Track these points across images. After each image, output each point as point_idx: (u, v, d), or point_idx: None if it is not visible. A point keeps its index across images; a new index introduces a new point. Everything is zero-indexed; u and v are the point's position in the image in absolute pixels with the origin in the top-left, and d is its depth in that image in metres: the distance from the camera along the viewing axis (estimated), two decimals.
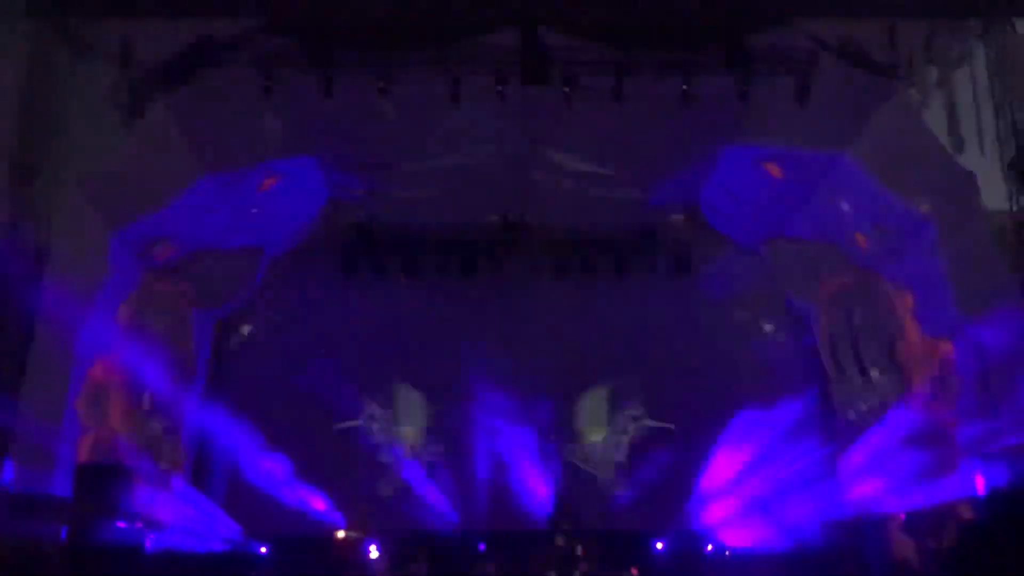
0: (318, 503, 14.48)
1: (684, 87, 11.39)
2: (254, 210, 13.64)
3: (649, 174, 14.11)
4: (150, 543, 11.48)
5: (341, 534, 13.30)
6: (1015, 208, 10.84)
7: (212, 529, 14.12)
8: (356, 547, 13.22)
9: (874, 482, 13.86)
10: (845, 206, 12.83)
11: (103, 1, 11.23)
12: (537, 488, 15.17)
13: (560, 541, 13.58)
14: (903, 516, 12.91)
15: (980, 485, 10.23)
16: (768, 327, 16.28)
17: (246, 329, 15.89)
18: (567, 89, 11.47)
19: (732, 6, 11.23)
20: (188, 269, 13.48)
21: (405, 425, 15.80)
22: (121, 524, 10.44)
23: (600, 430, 16.29)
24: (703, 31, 11.23)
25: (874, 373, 14.08)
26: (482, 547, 14.41)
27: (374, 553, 13.34)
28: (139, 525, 11.34)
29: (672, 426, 16.03)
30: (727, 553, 13.94)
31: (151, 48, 11.29)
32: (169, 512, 13.59)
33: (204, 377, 15.07)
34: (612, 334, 16.23)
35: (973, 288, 11.00)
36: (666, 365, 16.19)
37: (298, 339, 15.94)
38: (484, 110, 11.96)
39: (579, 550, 13.55)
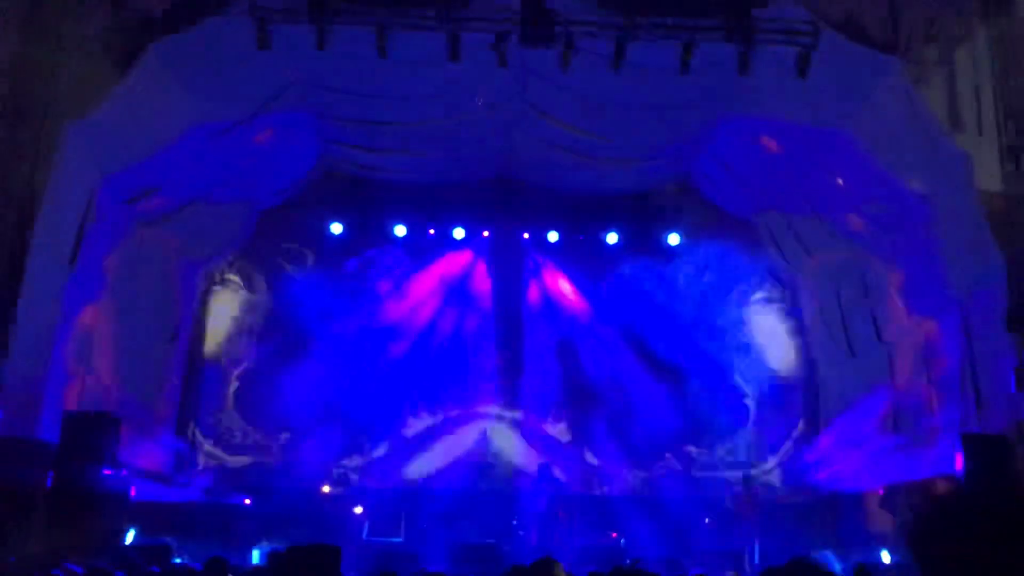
0: (303, 457, 14.52)
1: (684, 55, 11.33)
2: (246, 162, 13.53)
3: (645, 141, 14.05)
4: (135, 491, 11.51)
5: (326, 489, 13.34)
6: (1009, 189, 10.90)
7: (195, 479, 14.18)
8: (341, 503, 13.29)
9: (854, 457, 14.05)
10: (840, 182, 12.87)
11: None
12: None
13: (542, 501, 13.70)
14: (881, 491, 13.10)
15: (959, 462, 10.37)
16: (755, 300, 16.31)
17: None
18: (566, 51, 11.39)
19: None
20: (177, 220, 13.39)
21: None
22: (107, 471, 10.46)
23: None
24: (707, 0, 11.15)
25: (860, 348, 14.20)
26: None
27: (358, 509, 13.41)
28: (124, 473, 11.37)
29: None
30: (707, 521, 14.10)
31: None
32: (154, 460, 13.65)
33: (190, 328, 15.05)
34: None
35: (963, 268, 11.06)
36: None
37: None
38: (481, 68, 11.86)
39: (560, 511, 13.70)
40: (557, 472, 14.40)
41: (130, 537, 11.00)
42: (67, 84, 11.02)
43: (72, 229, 10.97)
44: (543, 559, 4.07)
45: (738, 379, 15.82)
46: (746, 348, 16.01)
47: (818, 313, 15.18)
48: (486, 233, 16.12)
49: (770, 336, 16.13)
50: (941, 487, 11.34)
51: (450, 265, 16.13)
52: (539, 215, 15.97)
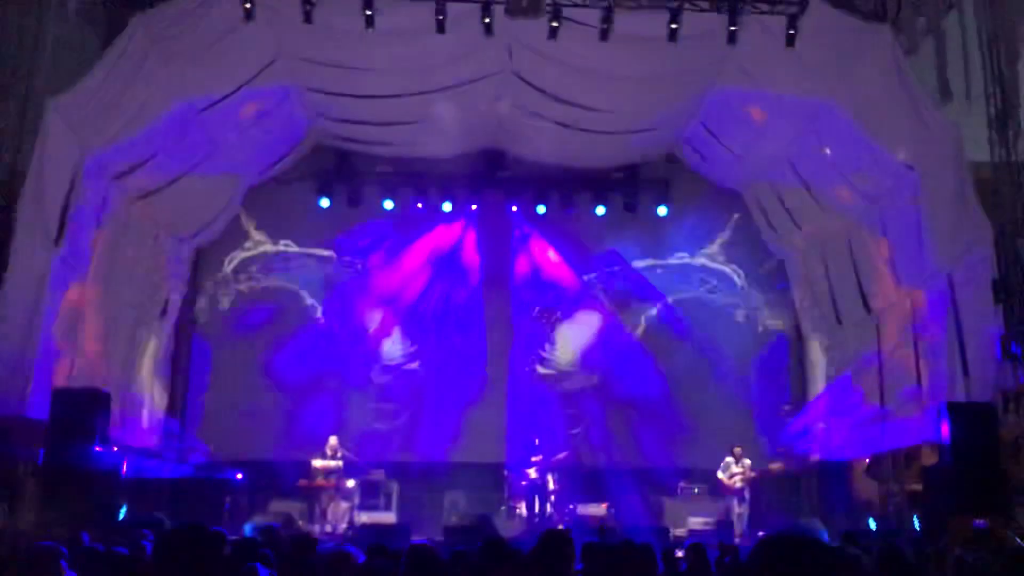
0: (294, 431, 14.56)
1: (672, 25, 11.27)
2: (233, 137, 13.44)
3: (633, 112, 13.99)
4: (126, 467, 11.51)
5: (318, 463, 13.34)
6: (997, 159, 10.88)
7: (187, 454, 14.20)
8: (331, 475, 13.30)
9: (841, 426, 14.15)
10: (828, 153, 12.85)
11: None
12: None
13: (533, 473, 13.80)
14: (867, 460, 13.22)
15: (944, 431, 10.44)
16: (742, 271, 16.33)
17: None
18: (554, 23, 11.32)
19: None
20: (165, 195, 13.28)
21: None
22: (97, 448, 10.45)
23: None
24: None
25: (847, 320, 14.26)
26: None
27: (350, 483, 13.45)
28: (115, 449, 11.37)
29: None
30: (695, 491, 14.21)
31: None
32: (145, 437, 13.67)
33: (180, 303, 14.99)
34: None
35: (951, 238, 11.07)
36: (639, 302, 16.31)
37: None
38: (469, 40, 11.78)
39: (551, 483, 13.79)
40: (548, 444, 14.42)
41: (122, 514, 11.01)
42: (49, 58, 10.87)
43: (57, 206, 10.87)
44: (551, 531, 4.09)
45: (726, 349, 15.84)
46: (734, 318, 16.07)
47: (806, 283, 15.23)
48: (474, 206, 16.05)
49: (757, 306, 16.18)
50: (927, 456, 11.46)
51: (438, 239, 16.10)
52: (527, 187, 15.93)
